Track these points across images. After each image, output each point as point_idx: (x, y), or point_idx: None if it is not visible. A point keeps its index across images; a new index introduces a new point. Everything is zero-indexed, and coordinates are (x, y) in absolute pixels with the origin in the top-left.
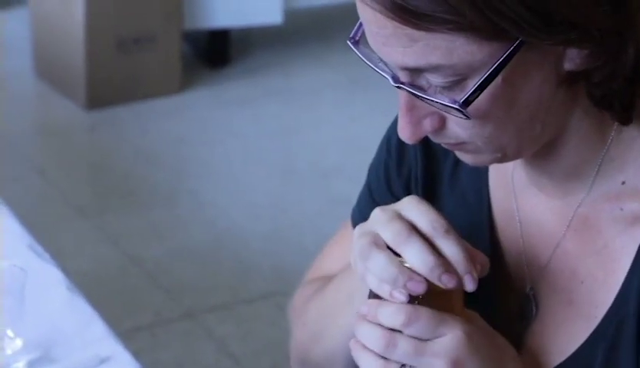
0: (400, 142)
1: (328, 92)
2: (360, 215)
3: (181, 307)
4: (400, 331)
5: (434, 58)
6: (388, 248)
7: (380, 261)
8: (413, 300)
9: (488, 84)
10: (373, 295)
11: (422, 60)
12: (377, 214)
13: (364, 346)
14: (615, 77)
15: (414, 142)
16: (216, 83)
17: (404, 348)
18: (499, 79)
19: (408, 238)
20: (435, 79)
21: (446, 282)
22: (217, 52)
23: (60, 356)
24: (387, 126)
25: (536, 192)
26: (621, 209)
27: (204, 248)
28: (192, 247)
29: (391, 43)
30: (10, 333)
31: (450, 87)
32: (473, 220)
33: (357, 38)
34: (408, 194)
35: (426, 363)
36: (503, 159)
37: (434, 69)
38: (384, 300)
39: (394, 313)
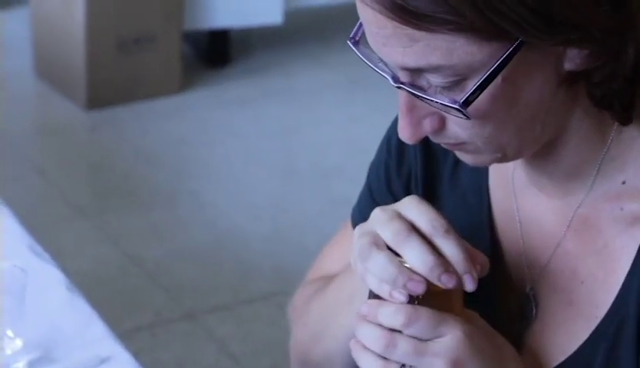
0: (400, 143)
1: (328, 92)
2: (360, 215)
3: (181, 308)
4: (400, 331)
5: (434, 58)
6: (388, 248)
7: (379, 261)
8: (413, 300)
9: (488, 84)
10: (373, 295)
11: (422, 60)
12: (377, 214)
13: (364, 347)
14: (615, 77)
15: (414, 142)
16: (217, 84)
17: (404, 348)
18: (499, 79)
19: (408, 237)
20: (435, 79)
21: (445, 282)
22: (217, 52)
23: (60, 357)
24: (387, 126)
25: (536, 192)
26: (622, 209)
27: (204, 248)
28: (192, 247)
29: (391, 43)
30: (10, 333)
31: (450, 87)
32: (473, 220)
33: (357, 38)
34: (408, 194)
35: (426, 363)
36: (503, 159)
37: (434, 69)
38: (384, 300)
39: (394, 314)
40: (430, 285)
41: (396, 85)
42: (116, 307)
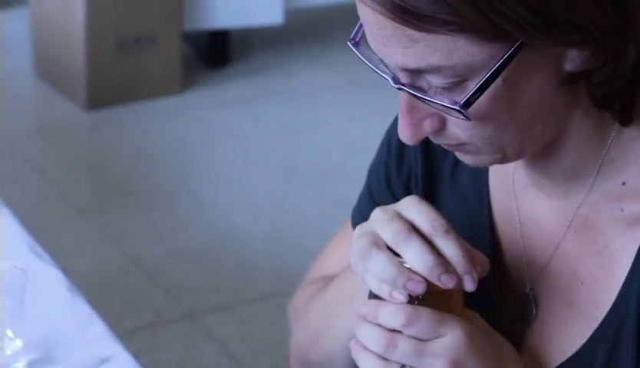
0: (401, 143)
1: (328, 92)
2: (360, 215)
3: (181, 308)
4: (400, 332)
5: (435, 59)
6: (388, 248)
7: (379, 262)
8: (412, 300)
9: (489, 85)
10: (373, 296)
11: (422, 61)
12: (377, 214)
13: (365, 347)
14: (615, 77)
15: (415, 143)
16: (217, 84)
17: (404, 348)
18: (499, 80)
19: (408, 238)
20: (435, 80)
21: (445, 282)
22: (217, 52)
23: (60, 357)
24: (387, 126)
25: (536, 192)
26: (622, 210)
27: (204, 248)
28: (192, 247)
29: (392, 44)
30: (10, 333)
31: (451, 88)
32: (473, 220)
33: (357, 39)
34: (408, 194)
35: (426, 364)
36: (503, 159)
37: (435, 70)
38: (384, 300)
39: (394, 314)
40: (430, 285)
41: (396, 86)
42: (116, 307)
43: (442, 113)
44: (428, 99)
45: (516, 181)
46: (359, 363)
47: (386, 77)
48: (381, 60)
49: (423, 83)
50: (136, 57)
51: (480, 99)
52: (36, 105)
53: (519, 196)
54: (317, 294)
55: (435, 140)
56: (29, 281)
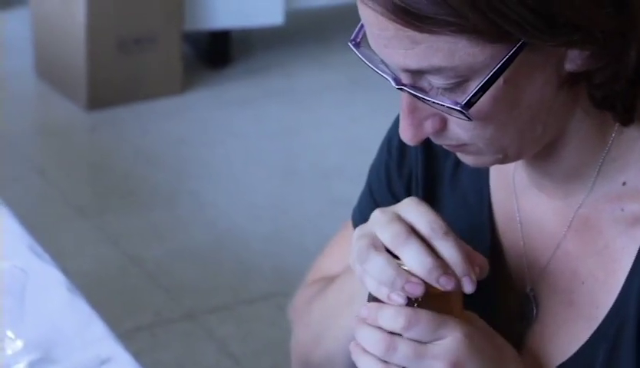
0: (401, 143)
1: (329, 93)
2: (360, 215)
3: (181, 308)
4: (400, 334)
5: (436, 60)
6: (387, 250)
7: (377, 264)
8: (411, 302)
9: (490, 86)
10: (372, 298)
11: (424, 62)
12: (377, 215)
13: (364, 350)
14: (617, 78)
15: (416, 143)
16: (217, 84)
17: (404, 351)
18: (500, 80)
19: (406, 239)
20: (437, 81)
21: (444, 284)
22: (218, 53)
23: (60, 357)
24: (387, 126)
25: (536, 192)
26: (622, 210)
27: (205, 248)
28: (192, 247)
29: (393, 45)
30: (10, 334)
31: (452, 88)
32: (473, 221)
33: (358, 40)
34: (409, 194)
35: (426, 366)
36: (504, 160)
37: (436, 71)
38: (384, 302)
39: (394, 317)
40: (428, 287)
41: (397, 87)
42: (116, 308)
43: (443, 113)
44: (429, 99)
45: (516, 181)
46: (359, 365)
47: (387, 77)
48: (382, 61)
49: (424, 84)
50: (136, 57)
51: (481, 99)
52: (36, 105)
53: (519, 196)
54: (318, 295)
55: (436, 141)
56: (29, 281)
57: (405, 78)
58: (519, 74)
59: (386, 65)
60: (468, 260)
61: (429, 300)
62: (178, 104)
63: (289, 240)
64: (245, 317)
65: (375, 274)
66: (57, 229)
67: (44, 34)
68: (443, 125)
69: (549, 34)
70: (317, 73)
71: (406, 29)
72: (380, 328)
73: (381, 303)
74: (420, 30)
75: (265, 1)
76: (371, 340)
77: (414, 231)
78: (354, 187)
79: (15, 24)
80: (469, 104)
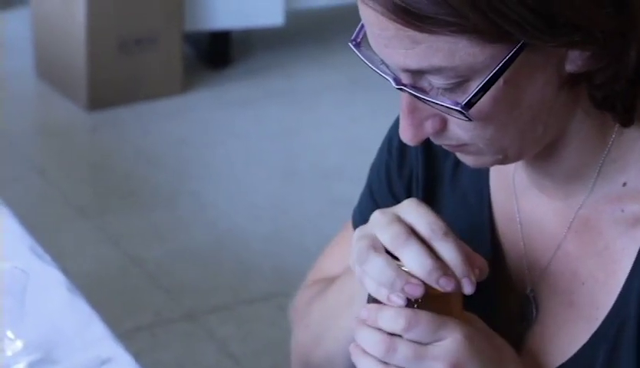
0: (402, 144)
1: (329, 93)
2: (361, 216)
3: (182, 308)
4: (400, 336)
5: (436, 60)
6: (387, 251)
7: (377, 265)
8: (411, 303)
9: (490, 86)
10: (372, 299)
11: (424, 62)
12: (377, 217)
13: (364, 351)
14: (617, 78)
15: (416, 144)
16: (218, 85)
17: (404, 352)
18: (501, 81)
19: (406, 241)
20: (437, 81)
21: (444, 285)
22: (218, 53)
23: (60, 358)
24: (388, 127)
25: (537, 193)
26: (622, 211)
27: (205, 248)
28: (193, 248)
29: (393, 45)
30: (10, 334)
31: (452, 88)
32: (473, 221)
33: (358, 40)
34: (409, 195)
35: (426, 367)
36: (504, 160)
37: (436, 71)
38: (384, 304)
39: (394, 318)
40: (428, 289)
41: (397, 87)
42: (116, 308)
43: (443, 113)
44: (429, 100)
45: (516, 182)
46: (359, 366)
47: (387, 77)
48: (382, 61)
49: (424, 84)
50: (137, 57)
51: (481, 100)
52: (37, 105)
53: (519, 197)
54: (318, 296)
55: (436, 141)
56: (29, 282)
57: (405, 78)
58: (520, 75)
59: (386, 65)
60: (468, 261)
61: (429, 302)
62: (178, 104)
63: (289, 240)
64: (246, 317)
65: (375, 275)
66: (57, 229)
67: (44, 35)
68: (444, 125)
69: (549, 34)
70: (317, 73)
71: (406, 29)
72: (380, 329)
73: (381, 305)
74: (421, 30)
75: (265, 1)
76: (370, 341)
77: (413, 233)
78: (355, 187)
79: (16, 25)
80: (469, 104)
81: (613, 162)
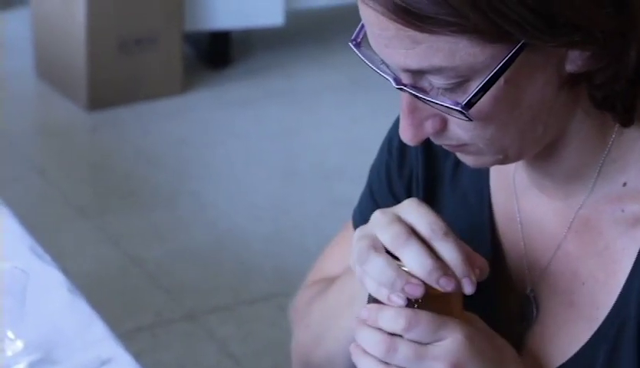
0: (402, 144)
1: (330, 93)
2: (361, 216)
3: (182, 308)
4: (400, 336)
5: (437, 60)
6: (387, 251)
7: (377, 265)
8: (411, 303)
9: (490, 86)
10: (372, 299)
11: (424, 62)
12: (377, 217)
13: (365, 351)
14: (617, 78)
15: (416, 144)
16: (218, 85)
17: (404, 352)
18: (501, 81)
19: (406, 241)
20: (437, 81)
21: (444, 285)
22: (218, 53)
23: (61, 358)
24: (388, 127)
25: (537, 193)
26: (623, 211)
27: (205, 249)
28: (193, 248)
29: (394, 45)
30: (11, 334)
31: (453, 88)
32: (474, 221)
33: (358, 40)
34: (409, 195)
35: (426, 367)
36: (504, 160)
37: (437, 71)
38: (384, 304)
39: (394, 318)
40: (428, 289)
41: (398, 87)
42: (117, 308)
43: (443, 113)
44: (430, 99)
45: (517, 182)
46: (359, 366)
47: (387, 77)
48: (383, 61)
49: (424, 84)
50: (137, 57)
51: (481, 100)
52: (37, 105)
53: (520, 197)
54: (318, 296)
55: (436, 141)
56: (30, 282)
57: (405, 78)
58: (520, 75)
59: (386, 65)
60: (468, 261)
61: (429, 302)
62: (178, 105)
63: (290, 240)
64: (246, 317)
65: (375, 275)
66: (57, 230)
67: (44, 35)
68: (444, 125)
69: (549, 34)
70: (317, 73)
71: (407, 29)
72: (380, 329)
73: (381, 305)
74: (421, 30)
75: (265, 1)
76: (371, 341)
77: (414, 233)
78: (355, 188)
79: (16, 25)
80: (469, 104)
81: (613, 162)
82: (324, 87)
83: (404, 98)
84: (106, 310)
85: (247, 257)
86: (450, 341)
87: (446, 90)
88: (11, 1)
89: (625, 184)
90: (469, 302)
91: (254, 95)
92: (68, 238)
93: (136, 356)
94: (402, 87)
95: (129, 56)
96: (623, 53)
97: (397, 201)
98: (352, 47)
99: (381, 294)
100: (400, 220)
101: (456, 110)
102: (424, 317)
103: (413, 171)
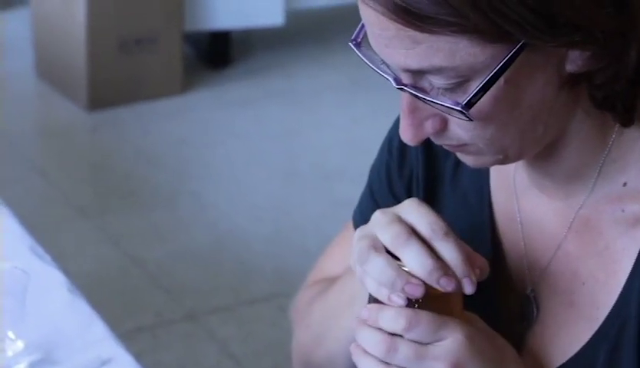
0: (402, 144)
1: (330, 93)
2: (361, 216)
3: (182, 309)
4: (400, 336)
5: (437, 60)
6: (388, 251)
7: (378, 265)
8: (411, 303)
9: (491, 86)
10: (373, 299)
11: (425, 62)
12: (377, 217)
13: (365, 351)
14: (617, 78)
15: (416, 144)
16: (218, 85)
17: (404, 352)
18: (501, 81)
19: (407, 241)
20: (437, 81)
21: (444, 285)
22: (219, 53)
23: (61, 358)
24: (388, 127)
25: (537, 193)
26: (623, 211)
27: (206, 249)
28: (193, 248)
29: (394, 45)
30: (11, 334)
31: (453, 88)
32: (474, 221)
33: (359, 40)
34: (409, 195)
35: (427, 367)
36: (504, 160)
37: (437, 71)
38: (384, 304)
39: (394, 318)
40: (429, 289)
41: (398, 87)
42: (117, 308)
43: (444, 113)
44: (430, 99)
45: (517, 182)
46: (360, 366)
47: (388, 77)
48: (383, 61)
49: (425, 84)
50: (137, 57)
51: (482, 100)
52: (37, 105)
53: (520, 197)
54: (319, 296)
55: (436, 141)
56: (30, 282)
57: (406, 78)
58: (520, 75)
59: (387, 65)
60: (468, 261)
61: (429, 302)
62: (179, 105)
63: (290, 241)
64: (246, 317)
65: (375, 275)
66: (58, 230)
67: (44, 35)
68: (444, 125)
69: (549, 34)
70: (317, 73)
71: (407, 29)
72: (380, 329)
73: (382, 305)
74: (421, 30)
75: (265, 1)
76: (371, 341)
77: (414, 233)
78: (356, 188)
79: (16, 25)
80: (469, 104)
81: (613, 162)
82: (325, 87)
83: (404, 98)
84: (106, 311)
85: (247, 258)
86: (451, 341)
87: (446, 90)
88: (11, 1)
89: (625, 184)
90: (469, 302)
91: (254, 95)
92: (69, 238)
93: (137, 356)
94: (402, 87)
95: (129, 56)
96: (623, 53)
97: (398, 201)
98: (352, 47)
99: (381, 294)
100: (400, 220)
101: (457, 110)
102: (425, 316)
103: (413, 171)
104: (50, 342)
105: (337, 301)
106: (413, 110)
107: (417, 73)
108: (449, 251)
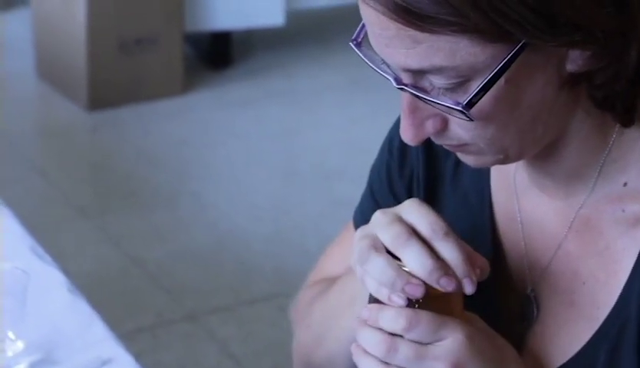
0: (402, 144)
1: (330, 93)
2: (362, 216)
3: (183, 309)
4: (401, 336)
5: (437, 60)
6: (388, 251)
7: (378, 265)
8: (412, 303)
9: (491, 86)
10: (373, 299)
11: (425, 61)
12: (378, 217)
13: (365, 351)
14: (617, 78)
15: (417, 143)
16: (218, 85)
17: (405, 352)
18: (502, 81)
19: (407, 241)
20: (438, 81)
21: (444, 285)
22: (219, 54)
23: (61, 358)
24: (389, 127)
25: (537, 193)
26: (623, 211)
27: (206, 249)
28: (193, 248)
29: (394, 44)
30: (11, 335)
31: (453, 88)
32: (474, 221)
33: (359, 40)
34: (410, 195)
35: (427, 367)
36: (504, 160)
37: (437, 71)
38: (385, 304)
39: (394, 318)
40: (429, 289)
41: (398, 86)
42: (117, 308)
43: (444, 113)
44: (430, 99)
45: (517, 181)
46: (360, 366)
47: (388, 77)
48: (383, 61)
49: (425, 84)
50: (137, 58)
51: (482, 99)
52: (37, 106)
53: (520, 197)
54: (319, 296)
55: (437, 141)
56: (30, 282)
57: (406, 78)
58: (521, 74)
59: (387, 65)
60: (469, 261)
61: (429, 302)
62: (179, 105)
63: (290, 241)
64: (247, 317)
65: (376, 275)
66: (58, 230)
67: (45, 35)
68: (444, 125)
69: (549, 34)
70: (318, 73)
71: (407, 28)
72: (381, 329)
73: (382, 305)
74: (422, 29)
75: (265, 1)
76: (371, 341)
77: (414, 233)
78: (356, 188)
79: (16, 25)
80: (470, 104)
81: (614, 162)
82: (325, 88)
83: (404, 98)
84: (106, 311)
85: (248, 258)
86: (451, 341)
87: (446, 89)
88: (11, 1)
89: (625, 184)
90: (469, 302)
91: (254, 95)
92: (69, 238)
93: (137, 356)
94: (403, 86)
95: (129, 56)
96: (623, 53)
97: (398, 201)
98: (353, 46)
99: (381, 294)
100: (400, 220)
101: (457, 110)
102: (425, 317)
103: (413, 171)
104: (50, 342)
105: (337, 301)
106: (413, 110)
107: (418, 73)
108: (449, 251)
